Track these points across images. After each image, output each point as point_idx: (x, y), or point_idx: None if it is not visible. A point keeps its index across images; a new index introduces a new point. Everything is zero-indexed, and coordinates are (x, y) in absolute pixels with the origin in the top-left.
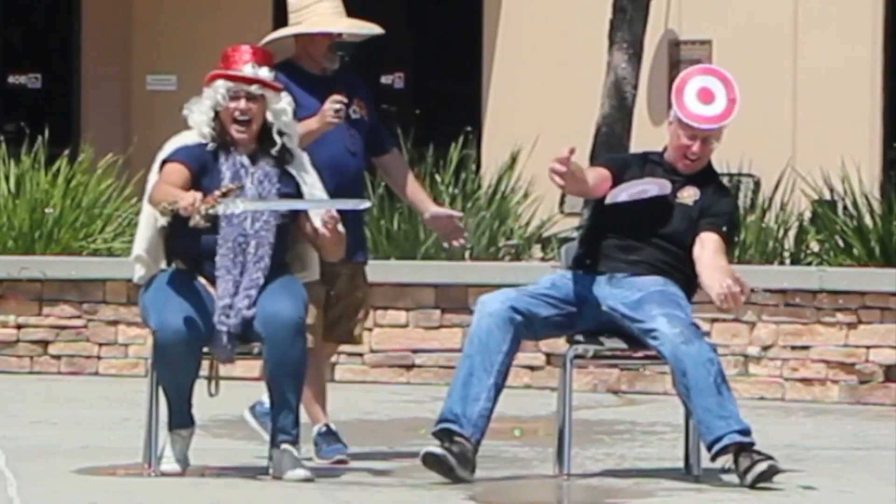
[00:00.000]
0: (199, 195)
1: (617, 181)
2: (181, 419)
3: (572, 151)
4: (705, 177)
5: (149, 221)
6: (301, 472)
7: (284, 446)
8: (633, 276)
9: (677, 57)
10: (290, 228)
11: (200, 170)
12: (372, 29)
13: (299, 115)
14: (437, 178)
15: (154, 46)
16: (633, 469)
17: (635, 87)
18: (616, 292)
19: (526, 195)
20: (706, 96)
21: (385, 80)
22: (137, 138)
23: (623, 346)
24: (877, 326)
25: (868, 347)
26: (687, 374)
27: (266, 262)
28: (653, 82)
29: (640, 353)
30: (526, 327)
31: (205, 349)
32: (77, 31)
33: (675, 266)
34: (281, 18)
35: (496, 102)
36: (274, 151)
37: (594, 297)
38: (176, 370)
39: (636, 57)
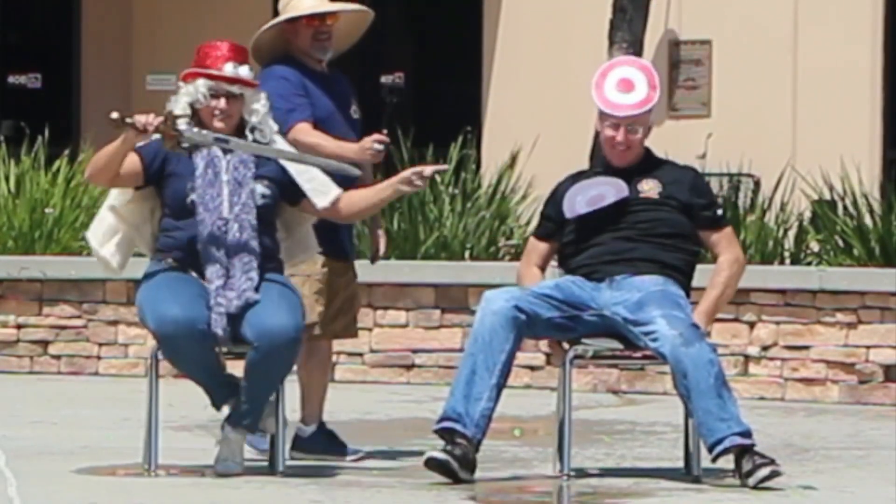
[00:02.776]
0: (150, 116)
1: (560, 234)
2: (223, 392)
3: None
4: (653, 165)
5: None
6: (223, 466)
7: (230, 431)
8: (632, 276)
9: (677, 57)
10: (276, 212)
11: (160, 162)
12: (358, 8)
13: (309, 111)
14: (437, 177)
15: (154, 46)
16: (633, 469)
17: None
18: (617, 295)
19: (526, 195)
20: (626, 85)
21: (385, 80)
22: None
23: (597, 346)
24: (877, 326)
25: (868, 347)
26: (687, 376)
27: (253, 246)
28: None
29: (639, 353)
30: (528, 327)
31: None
32: (77, 31)
33: (668, 255)
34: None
35: (496, 102)
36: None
37: (596, 302)
38: (192, 358)
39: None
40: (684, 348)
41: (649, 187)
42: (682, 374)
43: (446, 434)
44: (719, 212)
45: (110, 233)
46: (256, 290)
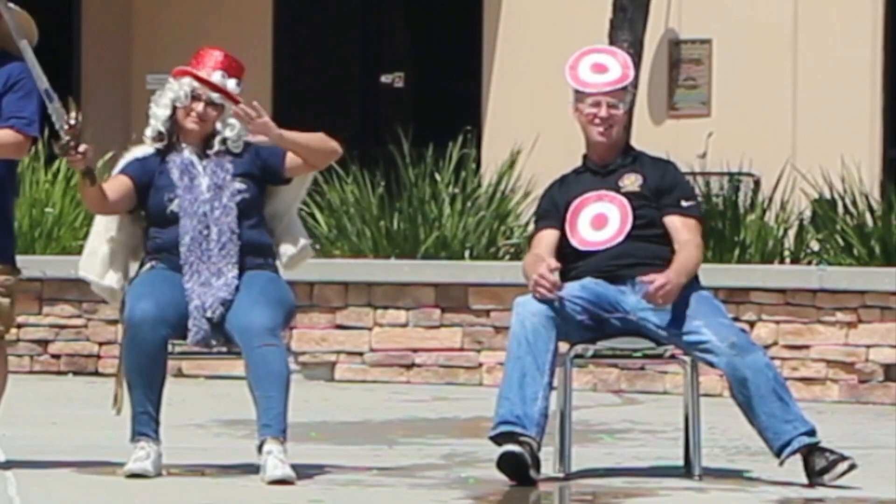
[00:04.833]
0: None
1: (563, 222)
2: (145, 425)
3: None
4: (634, 159)
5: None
6: (278, 472)
7: (268, 445)
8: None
9: (677, 56)
10: (257, 206)
11: (147, 178)
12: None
13: None
14: (437, 177)
15: (154, 46)
16: (633, 469)
17: (635, 86)
18: (644, 300)
19: (526, 195)
20: (599, 68)
21: (385, 79)
22: (137, 137)
23: (622, 346)
24: (877, 326)
25: (868, 347)
26: (747, 384)
27: (231, 250)
28: (653, 82)
29: (639, 353)
30: (560, 327)
31: (178, 348)
32: (77, 31)
33: (665, 251)
34: (281, 17)
35: (496, 102)
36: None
37: (622, 306)
38: (143, 356)
39: (636, 57)
40: (740, 359)
41: (630, 181)
42: (741, 383)
43: (508, 438)
44: (684, 203)
45: (107, 262)
46: (238, 289)
